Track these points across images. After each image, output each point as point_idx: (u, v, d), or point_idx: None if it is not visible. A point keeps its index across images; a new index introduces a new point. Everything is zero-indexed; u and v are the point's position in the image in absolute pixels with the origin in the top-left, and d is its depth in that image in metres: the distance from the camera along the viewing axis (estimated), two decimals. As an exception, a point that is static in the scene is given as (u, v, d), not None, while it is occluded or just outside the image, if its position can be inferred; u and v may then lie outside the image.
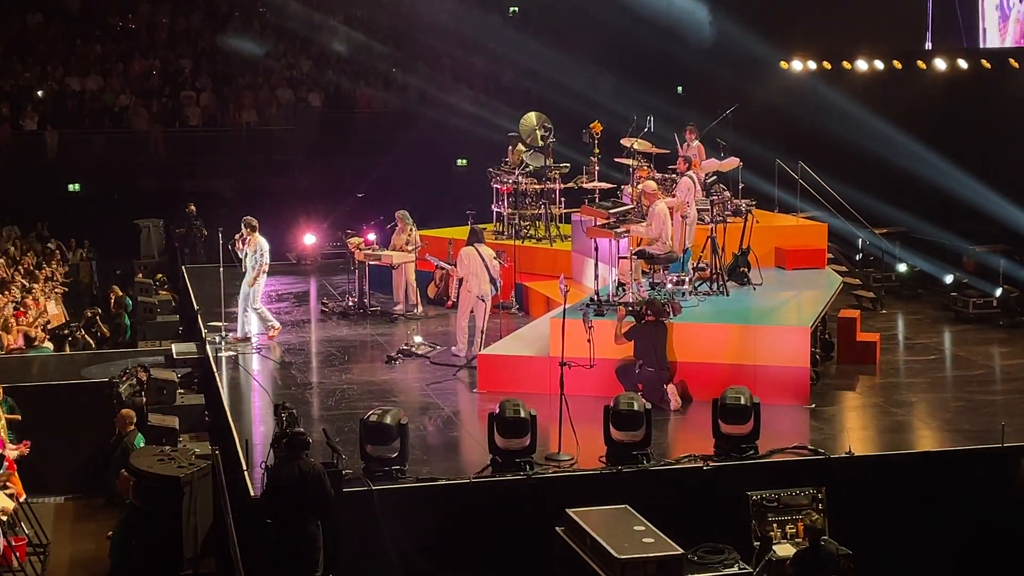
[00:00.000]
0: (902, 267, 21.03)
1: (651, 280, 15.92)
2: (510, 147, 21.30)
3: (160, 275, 24.46)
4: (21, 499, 13.91)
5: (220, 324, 17.46)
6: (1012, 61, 21.12)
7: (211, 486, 12.07)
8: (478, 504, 11.60)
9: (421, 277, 19.45)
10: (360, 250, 19.04)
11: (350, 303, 19.40)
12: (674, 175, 17.48)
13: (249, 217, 17.55)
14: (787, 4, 26.40)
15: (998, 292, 19.00)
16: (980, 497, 12.39)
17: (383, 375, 15.77)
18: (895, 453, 12.89)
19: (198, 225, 26.38)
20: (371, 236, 19.67)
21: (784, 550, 11.19)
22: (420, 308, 19.07)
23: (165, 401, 15.15)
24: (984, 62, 21.83)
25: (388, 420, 11.66)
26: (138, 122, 30.79)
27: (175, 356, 17.51)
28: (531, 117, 21.13)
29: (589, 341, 13.32)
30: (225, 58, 33.07)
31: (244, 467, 11.79)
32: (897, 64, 23.75)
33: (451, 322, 17.36)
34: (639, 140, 18.72)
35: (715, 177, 18.33)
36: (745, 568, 10.99)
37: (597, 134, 19.65)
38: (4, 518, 12.89)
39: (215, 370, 15.84)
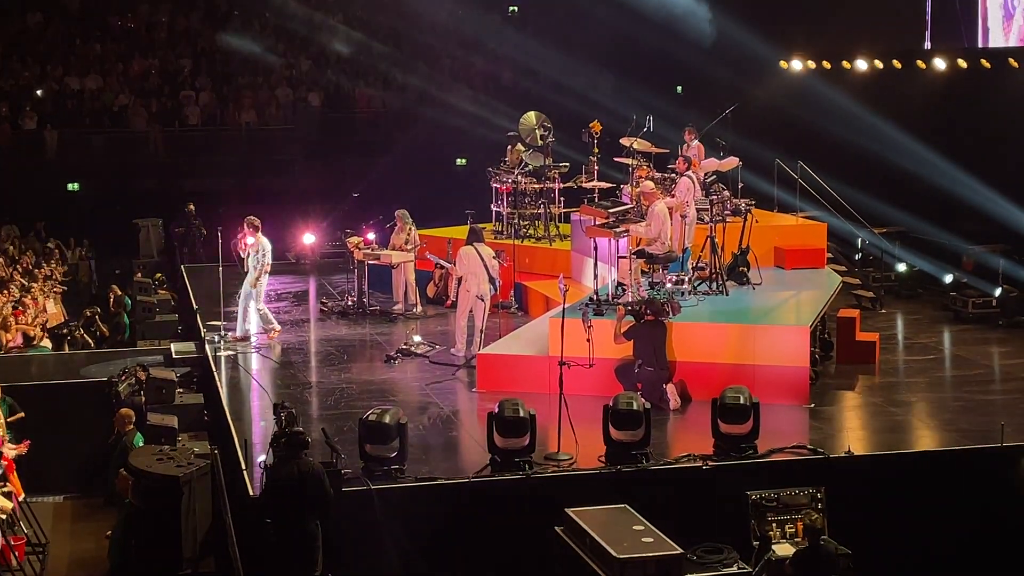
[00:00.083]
0: (901, 267, 21.03)
1: (650, 280, 15.92)
2: (509, 146, 21.29)
3: (159, 274, 24.45)
4: (20, 498, 13.91)
5: (219, 323, 17.46)
6: (1011, 61, 21.12)
7: (210, 485, 12.08)
8: (477, 504, 11.60)
9: (420, 277, 19.45)
10: (359, 249, 19.04)
11: (349, 302, 19.39)
12: (673, 175, 17.48)
13: (252, 217, 17.55)
14: (787, 4, 26.39)
15: (997, 292, 19.00)
16: (979, 497, 12.38)
17: (382, 374, 15.77)
18: (894, 453, 12.89)
19: (197, 224, 26.38)
20: (370, 236, 19.67)
21: (783, 550, 11.18)
22: (419, 308, 19.07)
23: (164, 400, 15.14)
24: (984, 62, 21.83)
25: (387, 420, 11.66)
26: (137, 122, 30.79)
27: (174, 355, 17.50)
28: (530, 116, 21.14)
29: (588, 341, 13.31)
30: (224, 58, 33.06)
31: (243, 466, 11.79)
32: (896, 64, 23.75)
33: (450, 322, 17.36)
34: (639, 140, 18.73)
35: (714, 177, 18.33)
36: (744, 568, 10.99)
37: (596, 133, 19.67)
38: (3, 516, 12.89)
39: (214, 369, 15.84)
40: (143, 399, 15.16)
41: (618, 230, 15.74)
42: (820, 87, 24.93)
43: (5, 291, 21.02)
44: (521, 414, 11.91)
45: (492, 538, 11.47)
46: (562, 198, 20.68)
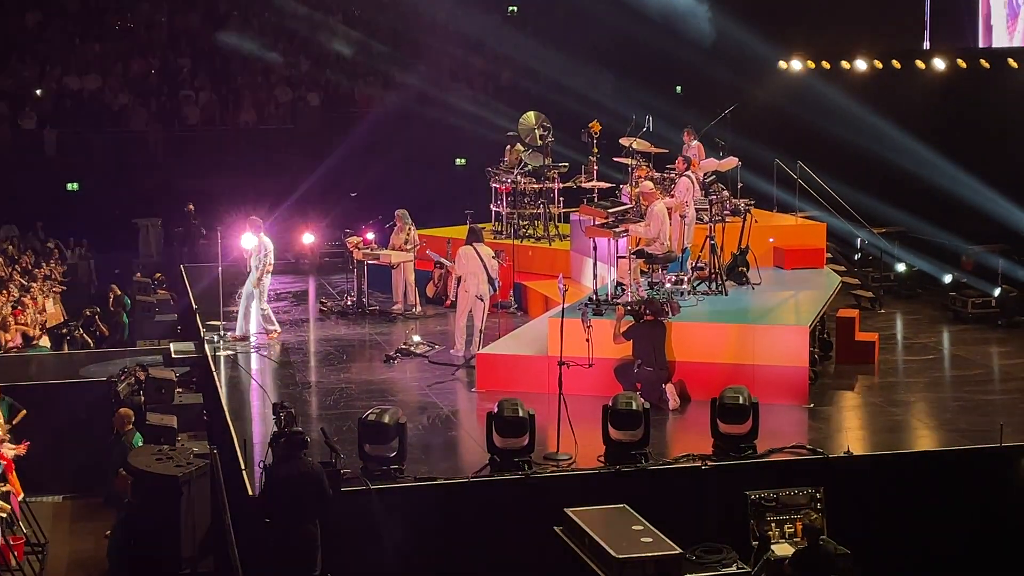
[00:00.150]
0: (901, 267, 21.03)
1: (650, 280, 15.92)
2: (507, 146, 21.31)
3: (158, 274, 24.47)
4: (19, 498, 13.91)
5: (218, 323, 17.45)
6: (1011, 61, 21.13)
7: (209, 485, 12.07)
8: (476, 504, 11.60)
9: (420, 277, 19.45)
10: (359, 249, 19.04)
11: (349, 302, 19.40)
12: (673, 175, 17.48)
13: (254, 217, 17.58)
14: (786, 4, 26.40)
15: (997, 292, 19.00)
16: (978, 497, 12.38)
17: (381, 374, 15.77)
18: (893, 453, 12.89)
19: (197, 224, 26.38)
20: (370, 235, 19.67)
21: (782, 550, 11.19)
22: (419, 307, 19.07)
23: (163, 400, 15.15)
24: (983, 61, 21.83)
25: (386, 419, 11.67)
26: (137, 121, 30.79)
27: (173, 355, 17.51)
28: (530, 116, 21.14)
29: (588, 340, 13.32)
30: (224, 58, 33.06)
31: (242, 466, 11.78)
32: (896, 64, 23.76)
33: (449, 321, 17.36)
34: (638, 140, 18.74)
35: (713, 176, 18.33)
36: (743, 568, 11.00)
37: (596, 133, 19.68)
38: (4, 515, 12.90)
39: (213, 369, 15.83)
40: (142, 399, 15.17)
41: (617, 230, 15.75)
42: (819, 87, 24.94)
43: (4, 291, 21.02)
44: (520, 414, 11.92)
45: (491, 538, 11.47)
46: (561, 198, 20.69)
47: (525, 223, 20.40)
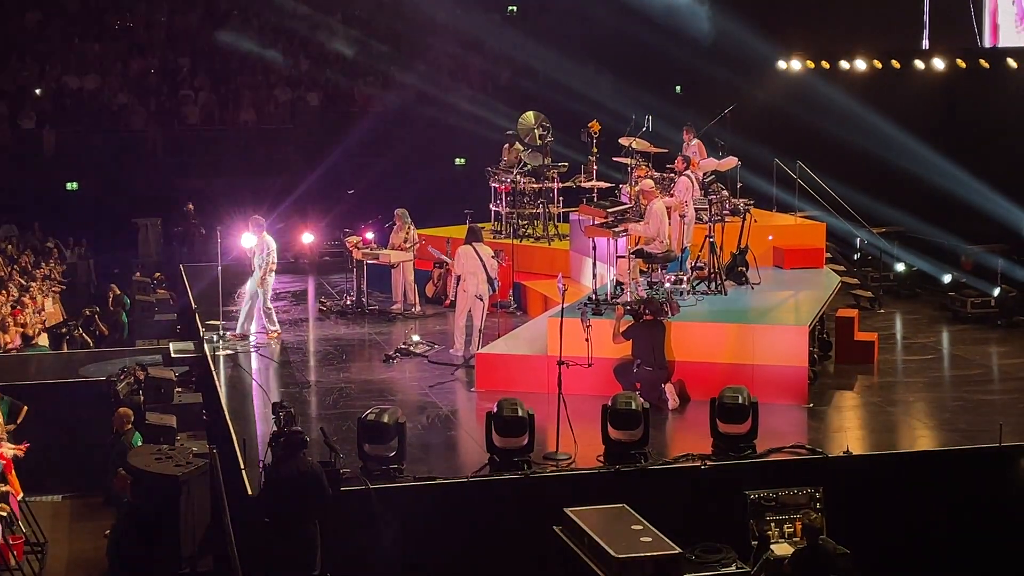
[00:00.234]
0: (900, 267, 21.03)
1: (649, 279, 15.92)
2: (505, 145, 21.31)
3: (158, 274, 24.47)
4: (19, 497, 13.91)
5: (218, 323, 17.45)
6: (1010, 60, 21.13)
7: (209, 485, 12.06)
8: (476, 503, 11.60)
9: (419, 276, 19.45)
10: (358, 249, 19.04)
11: (348, 302, 19.39)
12: (672, 174, 17.48)
13: (257, 216, 17.58)
14: (786, 4, 26.40)
15: (996, 292, 19.01)
16: (978, 496, 12.38)
17: (381, 374, 15.77)
18: (893, 452, 12.90)
19: (196, 224, 26.38)
20: (369, 235, 19.67)
21: (782, 549, 11.19)
22: (418, 307, 19.07)
23: (163, 400, 15.15)
24: (982, 61, 21.83)
25: (386, 419, 11.66)
26: (136, 121, 30.78)
27: (173, 355, 17.50)
28: (529, 116, 21.15)
29: (587, 340, 13.31)
30: (223, 57, 33.06)
31: (242, 466, 11.78)
32: (895, 63, 23.76)
33: (449, 321, 17.36)
34: (637, 139, 18.74)
35: (712, 176, 18.34)
36: (743, 567, 11.00)
37: (595, 133, 19.68)
38: (3, 515, 12.89)
39: (213, 369, 15.84)
40: (142, 398, 15.17)
41: (617, 230, 15.75)
42: (819, 87, 24.94)
43: (4, 291, 21.02)
44: (520, 414, 11.92)
45: (491, 538, 11.47)
46: (561, 198, 20.69)
47: (524, 223, 20.40)
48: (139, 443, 13.70)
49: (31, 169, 29.06)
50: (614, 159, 19.24)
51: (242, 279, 17.53)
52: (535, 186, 20.41)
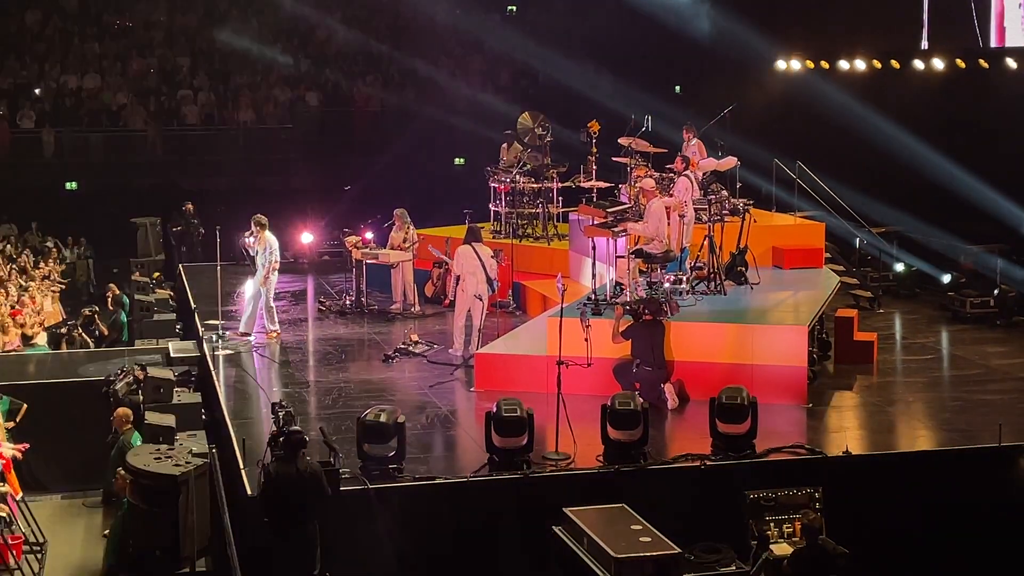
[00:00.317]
0: (899, 267, 21.04)
1: (648, 279, 15.92)
2: (504, 145, 21.30)
3: (157, 273, 24.44)
4: (17, 497, 13.89)
5: (217, 323, 17.45)
6: (1009, 60, 21.13)
7: (208, 485, 12.05)
8: (475, 503, 11.60)
9: (419, 276, 19.45)
10: (358, 249, 19.04)
11: (347, 302, 19.39)
12: (672, 174, 17.49)
13: (259, 215, 17.59)
14: (785, 4, 26.40)
15: (995, 292, 19.01)
16: (977, 496, 12.38)
17: (380, 374, 15.77)
18: (892, 452, 12.91)
19: (195, 223, 26.37)
20: (369, 235, 19.67)
21: (781, 549, 11.19)
22: (417, 307, 19.07)
23: (162, 399, 15.10)
24: (982, 61, 21.84)
25: (385, 419, 11.67)
26: (135, 121, 30.79)
27: (172, 355, 17.48)
28: (528, 116, 21.13)
29: (586, 340, 13.31)
30: (223, 57, 33.06)
31: (241, 465, 11.78)
32: (894, 63, 23.77)
33: (448, 321, 17.36)
34: (637, 139, 18.73)
35: (711, 176, 18.34)
36: (742, 567, 11.01)
37: (595, 133, 19.67)
38: (3, 515, 12.88)
39: (212, 368, 15.84)
40: (141, 398, 15.14)
41: (616, 229, 15.75)
42: (818, 87, 24.95)
43: (2, 290, 21.01)
44: (519, 413, 11.92)
45: (490, 537, 11.47)
46: (560, 197, 20.69)
47: (524, 222, 20.40)
48: (138, 443, 13.67)
49: (30, 168, 29.05)
50: (613, 159, 19.24)
51: (241, 279, 17.52)
52: (534, 186, 20.41)
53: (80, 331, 20.38)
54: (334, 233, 23.70)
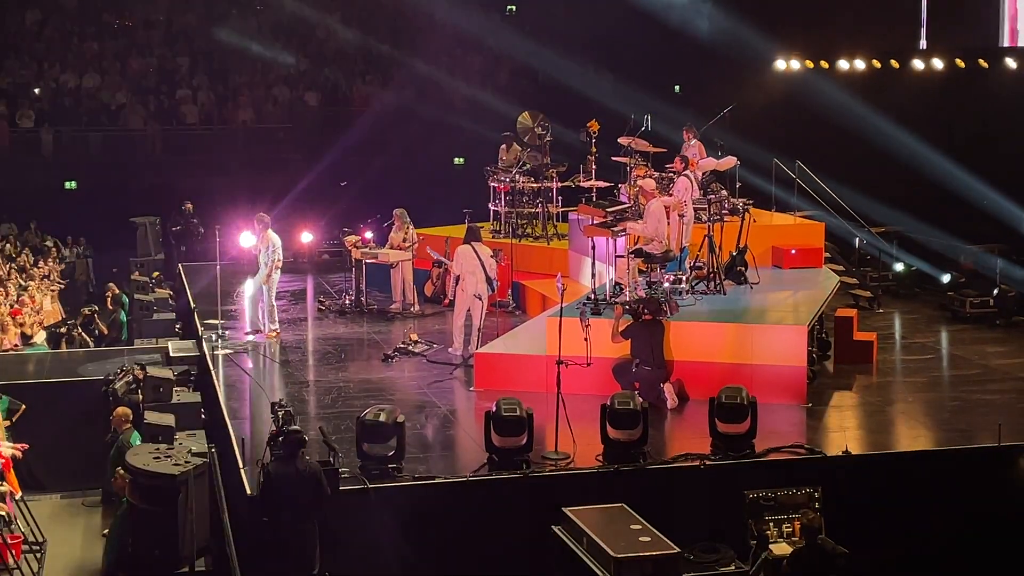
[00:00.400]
0: (899, 266, 21.04)
1: (648, 279, 15.92)
2: (503, 145, 21.29)
3: (157, 273, 24.43)
4: (17, 496, 13.89)
5: (217, 322, 17.45)
6: (1008, 60, 21.13)
7: (207, 484, 12.05)
8: (475, 502, 11.60)
9: (418, 275, 19.45)
10: (357, 248, 19.04)
11: (347, 301, 19.39)
12: (671, 174, 17.49)
13: (262, 214, 17.61)
14: (784, 3, 26.41)
15: (995, 291, 19.01)
16: (976, 496, 12.38)
17: (380, 373, 15.76)
18: (891, 452, 12.91)
19: (195, 223, 26.37)
20: (368, 234, 19.66)
21: (780, 549, 11.19)
22: (417, 306, 19.07)
23: (161, 399, 15.11)
24: (981, 61, 21.84)
25: (385, 418, 11.66)
26: (135, 120, 30.79)
27: (171, 354, 17.48)
28: (528, 116, 21.13)
29: (586, 340, 13.31)
30: (222, 56, 33.06)
31: (241, 465, 11.78)
32: (894, 63, 23.77)
33: (448, 320, 17.36)
34: (636, 139, 18.73)
35: (711, 175, 18.34)
36: (741, 567, 11.00)
37: (594, 133, 19.66)
38: (2, 514, 12.88)
39: (212, 368, 15.83)
40: (140, 397, 15.15)
41: (616, 229, 15.75)
42: (818, 86, 24.96)
43: (2, 290, 21.00)
44: (519, 413, 11.92)
45: (490, 537, 11.47)
46: (560, 197, 20.67)
47: (523, 222, 20.39)
48: (138, 442, 13.68)
49: (29, 168, 29.04)
50: (613, 159, 19.24)
51: (241, 278, 17.51)
52: (534, 185, 20.40)
53: (79, 330, 20.38)
54: (334, 232, 23.71)
